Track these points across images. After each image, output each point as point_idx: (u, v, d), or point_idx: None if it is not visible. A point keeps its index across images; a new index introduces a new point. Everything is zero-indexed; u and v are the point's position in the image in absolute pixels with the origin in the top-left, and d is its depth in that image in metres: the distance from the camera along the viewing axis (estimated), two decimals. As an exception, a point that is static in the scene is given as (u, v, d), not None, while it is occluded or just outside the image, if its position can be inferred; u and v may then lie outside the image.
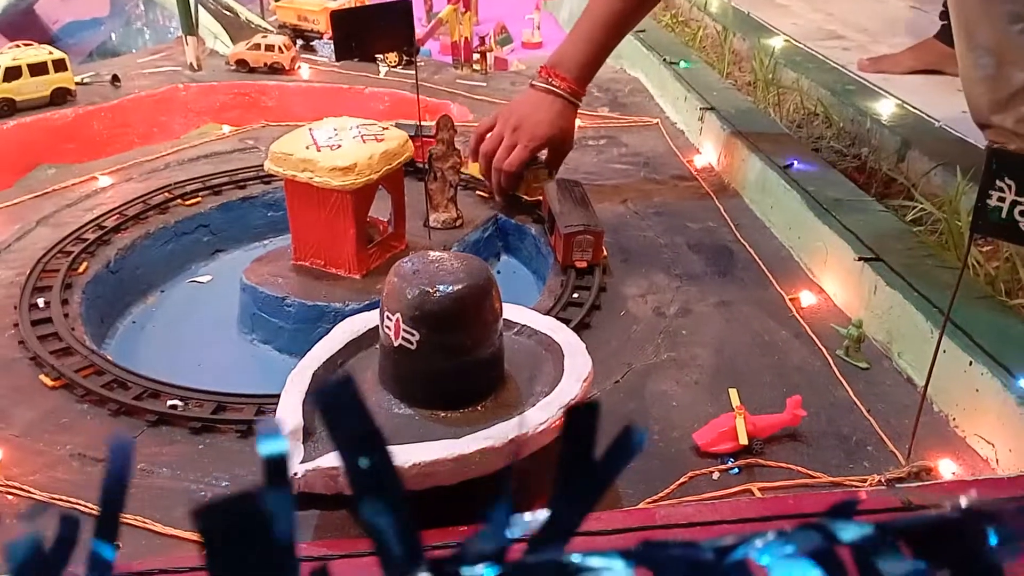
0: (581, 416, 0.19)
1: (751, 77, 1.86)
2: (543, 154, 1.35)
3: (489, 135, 1.33)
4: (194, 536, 0.70)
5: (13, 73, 1.69)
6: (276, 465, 0.18)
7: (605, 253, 1.21)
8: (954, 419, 0.87)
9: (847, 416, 0.89)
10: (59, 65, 1.75)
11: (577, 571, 0.18)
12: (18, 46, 1.79)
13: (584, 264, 1.16)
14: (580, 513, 0.18)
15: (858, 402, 0.90)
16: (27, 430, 0.87)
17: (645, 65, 1.96)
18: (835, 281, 1.11)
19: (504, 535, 0.18)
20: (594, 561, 0.18)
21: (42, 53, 1.75)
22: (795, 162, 1.32)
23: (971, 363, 0.84)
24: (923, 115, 1.54)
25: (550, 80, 1.32)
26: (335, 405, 0.18)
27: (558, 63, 1.34)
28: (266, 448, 0.18)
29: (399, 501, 0.17)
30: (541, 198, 1.31)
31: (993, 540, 0.18)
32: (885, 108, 1.57)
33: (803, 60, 1.89)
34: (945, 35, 2.06)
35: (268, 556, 0.16)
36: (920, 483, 0.78)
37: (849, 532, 0.18)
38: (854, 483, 0.79)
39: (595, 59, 1.34)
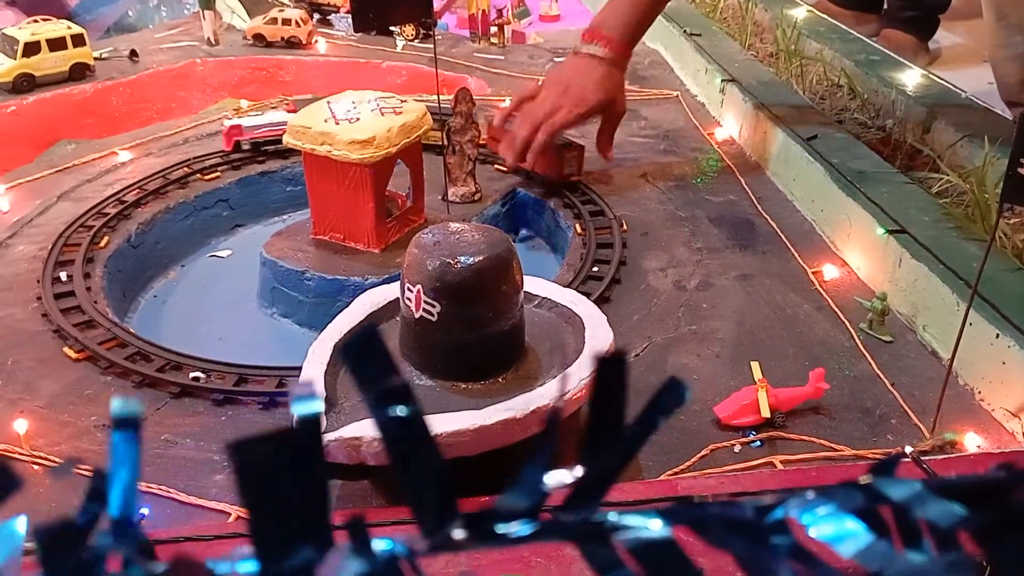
0: (611, 366, 0.18)
1: (773, 48, 1.83)
2: (582, 136, 1.31)
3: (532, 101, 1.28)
4: (217, 505, 0.71)
5: (32, 48, 1.69)
6: (309, 424, 0.17)
7: (625, 227, 1.21)
8: (980, 392, 0.86)
9: (871, 389, 0.88)
10: (78, 40, 1.75)
11: (614, 529, 0.17)
12: (36, 21, 1.79)
13: (575, 177, 1.30)
14: (616, 467, 0.18)
15: (882, 375, 0.90)
16: (52, 402, 0.87)
17: (664, 37, 1.93)
18: (859, 254, 1.10)
19: (538, 492, 0.18)
20: (631, 520, 0.17)
21: (61, 28, 1.75)
22: (817, 135, 1.30)
23: (998, 335, 0.83)
24: (950, 86, 1.51)
25: (593, 42, 1.27)
26: (361, 354, 0.18)
27: (601, 23, 1.28)
28: (299, 409, 0.18)
29: (430, 449, 0.17)
30: (575, 179, 1.31)
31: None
32: (910, 79, 1.54)
33: (826, 31, 1.85)
34: None
35: (301, 492, 0.16)
36: (945, 456, 0.77)
37: (891, 489, 0.17)
38: (877, 456, 0.78)
39: (640, 19, 1.28)
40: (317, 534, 0.17)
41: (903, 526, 0.18)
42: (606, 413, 0.18)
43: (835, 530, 0.17)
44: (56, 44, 1.72)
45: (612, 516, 0.18)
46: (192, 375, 0.90)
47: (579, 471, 0.19)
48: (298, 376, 0.74)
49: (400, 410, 0.17)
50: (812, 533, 0.17)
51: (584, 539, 0.18)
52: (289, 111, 1.42)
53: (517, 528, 0.17)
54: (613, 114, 1.31)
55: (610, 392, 0.18)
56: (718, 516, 0.17)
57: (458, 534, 0.17)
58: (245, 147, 1.42)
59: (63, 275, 1.08)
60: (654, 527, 0.17)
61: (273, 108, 1.46)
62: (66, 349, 0.95)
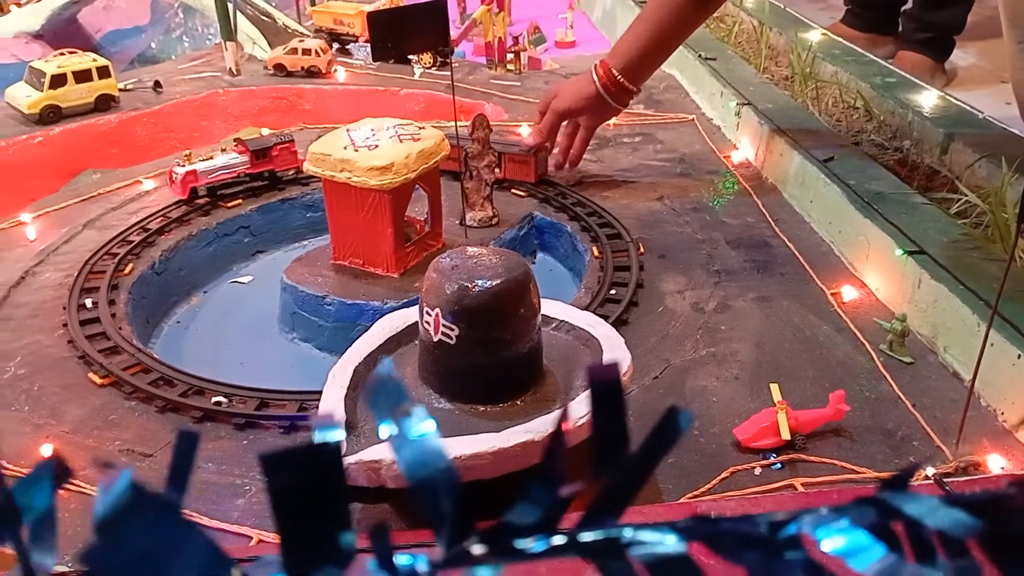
0: (606, 381, 0.19)
1: (788, 71, 1.84)
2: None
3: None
4: (239, 528, 0.72)
5: (59, 80, 1.73)
6: (330, 454, 0.18)
7: (642, 250, 1.21)
8: (1002, 413, 0.85)
9: (892, 411, 0.87)
10: (103, 72, 1.79)
11: (629, 545, 0.18)
12: (63, 54, 1.83)
13: (547, 174, 1.44)
14: (629, 489, 0.18)
15: (903, 397, 0.89)
16: (77, 427, 0.89)
17: (680, 61, 1.95)
18: (878, 275, 1.09)
19: (550, 507, 0.18)
20: (646, 535, 0.18)
21: (86, 60, 1.79)
22: (834, 157, 1.30)
23: (1020, 356, 0.82)
24: (966, 106, 1.51)
25: (595, 66, 1.42)
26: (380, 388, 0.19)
27: (609, 54, 1.42)
28: (320, 438, 0.18)
29: (447, 469, 0.18)
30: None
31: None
32: (927, 100, 1.54)
33: (842, 53, 1.86)
34: (849, 18, 2.31)
35: (327, 502, 0.16)
36: (968, 478, 0.76)
37: (904, 504, 0.18)
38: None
39: (639, 57, 1.38)
40: (340, 549, 0.18)
41: (916, 541, 0.18)
42: (608, 429, 0.18)
43: (848, 545, 0.18)
44: (82, 76, 1.76)
45: (628, 531, 0.18)
46: (214, 400, 0.91)
47: (593, 491, 0.19)
48: (319, 400, 0.74)
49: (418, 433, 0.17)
50: (825, 548, 0.18)
51: (600, 554, 0.18)
52: (239, 152, 1.40)
53: (534, 543, 0.18)
54: (587, 124, 1.45)
55: (609, 407, 0.18)
56: (732, 531, 0.18)
57: (476, 549, 0.18)
58: (201, 193, 1.38)
59: (88, 302, 1.10)
60: (669, 543, 0.18)
61: (223, 151, 1.42)
62: (91, 374, 0.96)
